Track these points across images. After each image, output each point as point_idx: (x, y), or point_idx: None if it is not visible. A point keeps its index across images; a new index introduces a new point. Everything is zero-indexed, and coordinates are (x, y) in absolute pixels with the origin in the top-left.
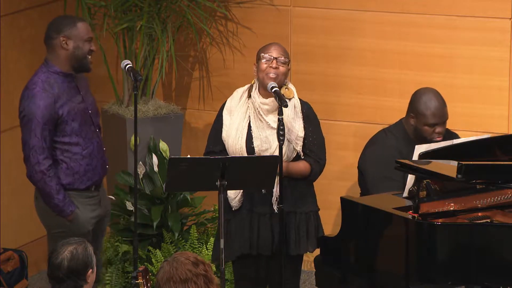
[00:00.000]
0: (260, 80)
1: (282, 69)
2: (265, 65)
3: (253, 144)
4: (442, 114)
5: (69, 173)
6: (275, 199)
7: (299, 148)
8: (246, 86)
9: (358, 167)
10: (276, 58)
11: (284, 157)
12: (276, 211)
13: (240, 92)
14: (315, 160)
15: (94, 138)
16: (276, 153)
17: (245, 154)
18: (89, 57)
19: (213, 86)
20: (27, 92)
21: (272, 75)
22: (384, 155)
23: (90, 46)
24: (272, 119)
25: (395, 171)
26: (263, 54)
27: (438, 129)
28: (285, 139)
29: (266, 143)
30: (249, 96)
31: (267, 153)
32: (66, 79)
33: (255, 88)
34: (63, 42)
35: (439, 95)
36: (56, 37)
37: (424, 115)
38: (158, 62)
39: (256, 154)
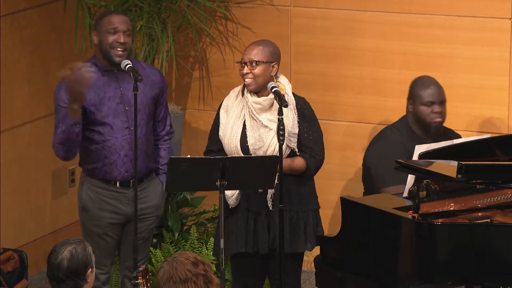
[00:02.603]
0: None
1: (257, 71)
2: (240, 71)
3: (247, 143)
4: (438, 93)
5: (90, 160)
6: (270, 196)
7: (292, 145)
8: (242, 85)
9: (363, 164)
10: (246, 63)
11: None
12: (271, 208)
13: (236, 92)
14: (311, 155)
15: (121, 134)
16: (270, 151)
17: (240, 153)
18: (118, 49)
19: (213, 86)
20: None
21: (247, 80)
22: (390, 150)
23: (115, 38)
24: (266, 118)
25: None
26: (241, 59)
27: (436, 109)
28: (285, 127)
29: (260, 142)
30: (243, 95)
31: (261, 152)
32: (103, 73)
33: (247, 91)
34: (94, 36)
35: (435, 80)
36: (93, 32)
37: (420, 95)
38: (158, 62)
39: (251, 153)
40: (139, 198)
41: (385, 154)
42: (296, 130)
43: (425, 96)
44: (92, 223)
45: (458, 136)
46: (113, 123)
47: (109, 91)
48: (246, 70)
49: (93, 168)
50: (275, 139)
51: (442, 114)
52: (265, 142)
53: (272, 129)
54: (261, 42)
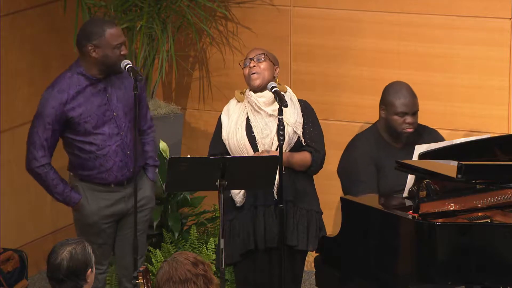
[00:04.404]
0: (247, 84)
1: (262, 65)
2: (246, 69)
3: (253, 133)
4: (412, 104)
5: (85, 168)
6: (276, 186)
7: (299, 132)
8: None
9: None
10: (252, 58)
11: (285, 141)
12: (276, 197)
13: (235, 99)
14: (316, 149)
15: (114, 141)
16: (276, 138)
17: (247, 144)
18: (121, 60)
19: (213, 86)
20: (48, 88)
21: (254, 74)
22: (355, 160)
23: (121, 51)
24: (270, 109)
25: (363, 173)
26: (243, 62)
27: (408, 119)
28: (285, 127)
29: (266, 130)
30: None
31: (268, 139)
32: (90, 81)
33: (248, 90)
34: (91, 50)
35: (410, 87)
36: (85, 44)
37: (394, 104)
38: (158, 62)
39: (257, 142)
40: (132, 192)
41: (350, 165)
42: (302, 120)
43: (399, 106)
44: (88, 222)
45: (436, 132)
46: (104, 131)
47: (97, 100)
48: (253, 64)
49: (88, 175)
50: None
51: (414, 125)
52: (272, 130)
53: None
54: (260, 48)
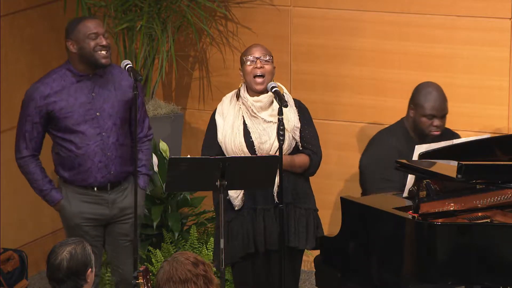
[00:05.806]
0: (248, 83)
1: (267, 67)
2: (250, 67)
3: (251, 138)
4: (441, 108)
5: (65, 168)
6: (276, 189)
7: (297, 137)
8: (233, 91)
9: (359, 167)
10: (259, 58)
11: (285, 147)
12: (276, 200)
13: (229, 97)
14: (313, 152)
15: (93, 141)
16: (276, 144)
17: (245, 149)
18: (102, 52)
19: (213, 86)
20: (35, 82)
21: (259, 75)
22: (384, 155)
23: (97, 42)
24: (267, 114)
25: (393, 172)
26: (245, 57)
27: (436, 122)
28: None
29: (265, 135)
30: (238, 99)
31: (267, 145)
32: (76, 78)
33: (244, 90)
34: (70, 45)
35: (441, 89)
36: (66, 41)
37: (423, 106)
38: (158, 62)
39: (256, 148)
40: (119, 199)
41: (378, 161)
42: (299, 125)
43: (428, 109)
44: (70, 224)
45: (458, 136)
46: (84, 130)
47: (81, 97)
48: (259, 64)
49: (69, 175)
50: None
51: (441, 128)
52: (270, 135)
53: (275, 123)
54: (262, 45)
